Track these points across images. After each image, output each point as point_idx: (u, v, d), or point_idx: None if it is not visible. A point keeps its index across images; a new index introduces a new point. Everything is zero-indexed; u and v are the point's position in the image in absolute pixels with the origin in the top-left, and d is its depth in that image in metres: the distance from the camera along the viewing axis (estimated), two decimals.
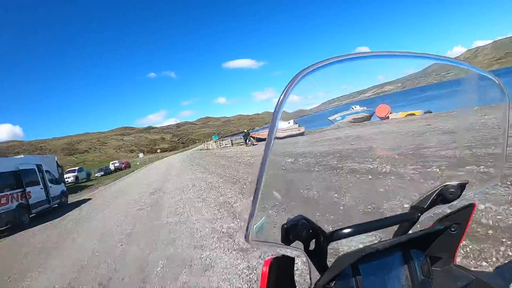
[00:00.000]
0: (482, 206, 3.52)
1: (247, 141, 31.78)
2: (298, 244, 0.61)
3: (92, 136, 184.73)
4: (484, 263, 2.61)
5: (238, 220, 5.58)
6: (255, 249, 4.00)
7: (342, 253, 0.64)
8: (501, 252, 2.70)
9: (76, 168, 40.20)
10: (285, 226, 0.57)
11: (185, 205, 8.24)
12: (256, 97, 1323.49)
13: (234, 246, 4.40)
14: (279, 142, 0.54)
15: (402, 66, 0.74)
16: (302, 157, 6.43)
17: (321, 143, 7.54)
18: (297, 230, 0.58)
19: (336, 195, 4.57)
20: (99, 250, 5.91)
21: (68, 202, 16.72)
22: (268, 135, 0.53)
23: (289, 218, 0.59)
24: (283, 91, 0.52)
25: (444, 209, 0.77)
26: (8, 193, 11.03)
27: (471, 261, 2.68)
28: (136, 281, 4.03)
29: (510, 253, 2.65)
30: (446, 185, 0.74)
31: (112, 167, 53.98)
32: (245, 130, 35.74)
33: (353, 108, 23.22)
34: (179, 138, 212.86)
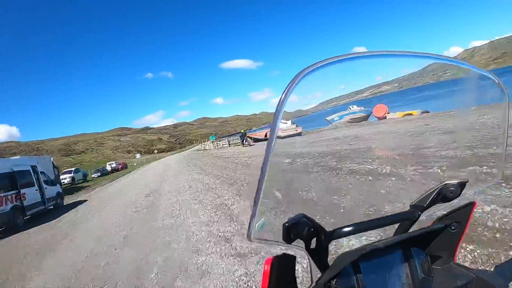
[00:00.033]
0: (487, 208, 3.43)
1: (244, 141, 31.66)
2: (300, 242, 0.61)
3: (89, 137, 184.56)
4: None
5: (235, 223, 5.47)
6: (253, 255, 3.90)
7: (343, 251, 0.64)
8: (510, 257, 2.64)
9: (73, 169, 39.93)
10: (286, 224, 0.58)
11: (181, 207, 8.14)
12: (253, 98, 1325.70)
13: (231, 251, 4.27)
14: (279, 142, 0.54)
15: (401, 66, 0.74)
16: (300, 157, 6.38)
17: (319, 143, 7.50)
18: (298, 228, 0.59)
19: (336, 197, 4.49)
20: (93, 254, 5.79)
21: (64, 204, 16.53)
22: (269, 135, 0.53)
23: (290, 216, 0.60)
24: (284, 91, 0.52)
25: (444, 208, 0.77)
26: (2, 195, 10.86)
27: (479, 266, 2.60)
28: None
29: None
30: (446, 183, 0.74)
31: (109, 168, 53.93)
32: (242, 131, 35.59)
33: (350, 108, 23.32)
34: (176, 139, 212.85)
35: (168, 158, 66.83)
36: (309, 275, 0.65)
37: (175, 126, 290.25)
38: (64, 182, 33.16)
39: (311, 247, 0.63)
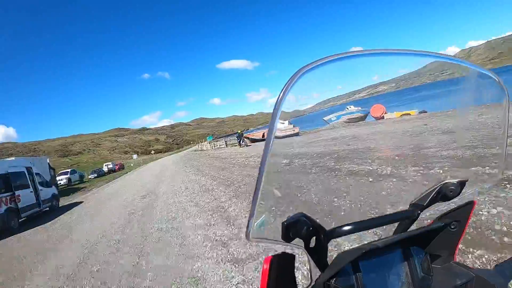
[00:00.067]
0: (494, 211, 3.36)
1: (241, 142, 31.63)
2: (299, 241, 0.60)
3: (86, 138, 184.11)
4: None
5: (233, 227, 5.34)
6: (250, 261, 3.78)
7: (342, 250, 0.64)
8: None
9: (69, 170, 39.80)
10: (285, 223, 0.58)
11: (177, 209, 8.01)
12: (250, 98, 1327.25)
13: (228, 256, 4.13)
14: (277, 142, 0.54)
15: (400, 65, 0.74)
16: (298, 158, 6.30)
17: (317, 144, 7.41)
18: (297, 227, 0.59)
19: (336, 199, 4.40)
20: (86, 258, 5.68)
21: (60, 205, 16.35)
22: (267, 135, 0.53)
23: (289, 215, 0.60)
24: (282, 90, 0.52)
25: (444, 207, 0.77)
26: None
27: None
28: None
29: None
30: (446, 182, 0.74)
31: (105, 168, 53.89)
32: (239, 131, 35.59)
33: (348, 108, 23.33)
34: (174, 139, 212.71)
35: (165, 158, 66.67)
36: (309, 274, 0.65)
37: (172, 126, 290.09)
38: (60, 183, 33.09)
39: (310, 246, 0.62)
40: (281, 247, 0.63)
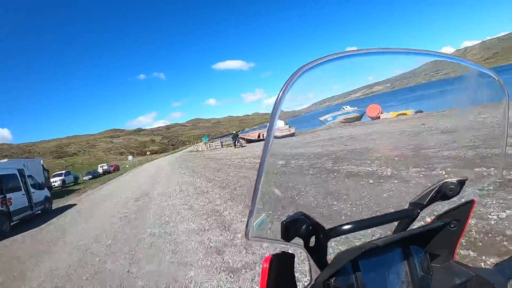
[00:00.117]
0: (503, 215, 3.22)
1: (236, 142, 31.49)
2: (298, 240, 0.60)
3: (81, 139, 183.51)
4: None
5: (228, 232, 5.13)
6: (247, 270, 3.60)
7: (342, 249, 0.63)
8: None
9: (63, 171, 39.53)
10: (285, 222, 0.58)
11: (171, 213, 7.82)
12: (246, 99, 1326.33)
13: (223, 265, 3.90)
14: (276, 142, 0.53)
15: (399, 64, 0.73)
16: (295, 159, 6.19)
17: (314, 144, 7.32)
18: (297, 226, 0.59)
19: (335, 202, 4.28)
20: (76, 264, 5.50)
21: (53, 208, 16.09)
22: (267, 134, 0.52)
23: (288, 214, 0.60)
24: (282, 89, 0.52)
25: (443, 206, 0.76)
26: None
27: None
28: None
29: None
30: (446, 181, 0.73)
31: (100, 170, 53.77)
32: (234, 132, 35.51)
33: (344, 109, 23.35)
34: (169, 140, 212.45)
35: (161, 159, 66.45)
36: (308, 273, 0.64)
37: (167, 127, 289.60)
38: (54, 185, 32.91)
39: (310, 245, 0.62)
40: (281, 247, 0.62)
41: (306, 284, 0.63)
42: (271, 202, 0.61)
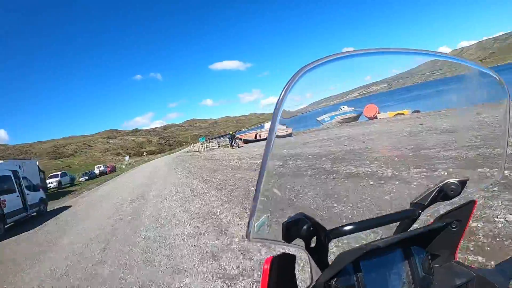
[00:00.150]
0: (511, 217, 3.14)
1: (233, 143, 31.40)
2: (299, 241, 0.60)
3: (78, 139, 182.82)
4: None
5: (225, 236, 5.01)
6: (244, 277, 3.48)
7: (343, 250, 0.63)
8: None
9: (60, 172, 39.28)
10: (286, 223, 0.58)
11: (166, 216, 7.70)
12: (243, 99, 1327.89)
13: (219, 271, 3.79)
14: (277, 142, 0.52)
15: (396, 64, 0.74)
16: (292, 159, 6.10)
17: (312, 144, 7.23)
18: (298, 227, 0.59)
19: (335, 204, 4.20)
20: (69, 269, 5.38)
21: (48, 210, 15.93)
22: (268, 134, 0.52)
23: (289, 215, 0.60)
24: (283, 89, 0.52)
25: (445, 206, 0.76)
26: None
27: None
28: None
29: None
30: (447, 182, 0.73)
31: (97, 171, 53.62)
32: (231, 132, 35.50)
33: (341, 109, 23.40)
34: (166, 141, 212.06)
35: (157, 160, 66.26)
36: (309, 274, 0.64)
37: (164, 128, 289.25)
38: (50, 186, 32.75)
39: (311, 246, 0.63)
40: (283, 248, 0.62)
41: (307, 285, 0.62)
42: (272, 203, 0.61)
